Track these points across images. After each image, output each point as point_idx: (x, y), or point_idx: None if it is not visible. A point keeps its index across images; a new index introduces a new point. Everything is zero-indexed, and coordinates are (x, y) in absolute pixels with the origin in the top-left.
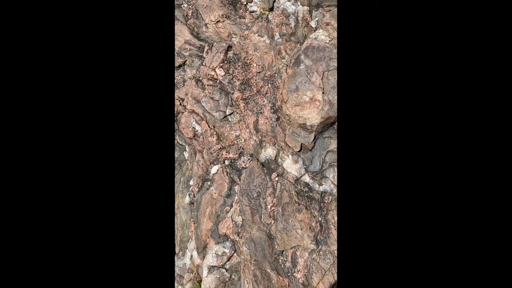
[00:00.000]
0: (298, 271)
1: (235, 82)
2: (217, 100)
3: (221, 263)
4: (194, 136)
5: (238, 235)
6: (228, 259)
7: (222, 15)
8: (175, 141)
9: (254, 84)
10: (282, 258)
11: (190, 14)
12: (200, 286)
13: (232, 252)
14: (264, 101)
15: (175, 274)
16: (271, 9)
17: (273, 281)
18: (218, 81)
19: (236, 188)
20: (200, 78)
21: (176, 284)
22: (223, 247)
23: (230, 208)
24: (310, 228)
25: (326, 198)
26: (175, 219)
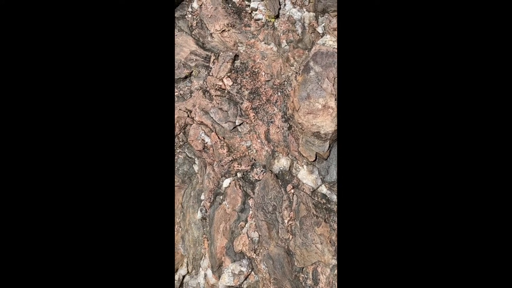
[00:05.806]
0: None
1: (243, 91)
2: (226, 111)
3: (238, 283)
4: (203, 149)
5: (255, 252)
6: (246, 278)
7: (227, 24)
8: (184, 154)
9: (264, 93)
10: (303, 275)
11: (194, 25)
12: None
13: (250, 270)
14: (274, 110)
15: None
16: (277, 17)
17: None
18: (226, 91)
19: (250, 202)
20: (208, 89)
21: None
22: (240, 265)
23: (245, 224)
24: (330, 242)
25: None
26: (187, 236)
